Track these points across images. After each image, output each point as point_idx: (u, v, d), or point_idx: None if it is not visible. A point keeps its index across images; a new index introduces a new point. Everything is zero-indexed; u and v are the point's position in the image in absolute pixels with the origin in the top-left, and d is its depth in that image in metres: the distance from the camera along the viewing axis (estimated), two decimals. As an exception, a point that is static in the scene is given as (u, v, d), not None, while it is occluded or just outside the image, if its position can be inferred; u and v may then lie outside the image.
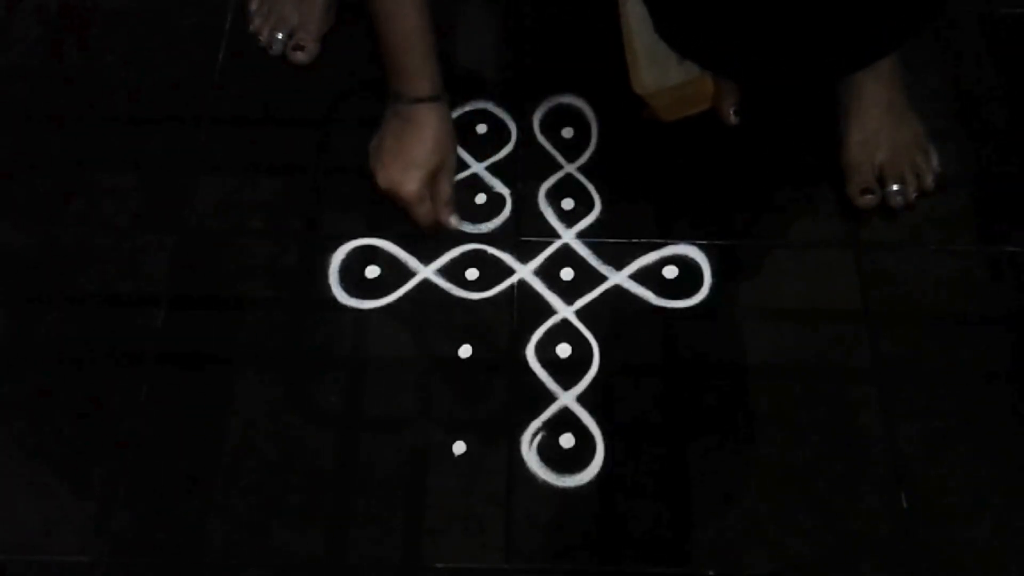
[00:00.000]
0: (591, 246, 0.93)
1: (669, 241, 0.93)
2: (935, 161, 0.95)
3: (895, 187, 0.93)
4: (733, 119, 0.96)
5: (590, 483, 0.82)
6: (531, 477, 0.82)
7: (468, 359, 0.87)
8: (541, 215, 0.95)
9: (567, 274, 0.91)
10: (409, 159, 0.89)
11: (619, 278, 0.91)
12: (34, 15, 1.08)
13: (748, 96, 0.96)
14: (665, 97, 0.92)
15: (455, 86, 1.01)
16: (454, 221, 0.93)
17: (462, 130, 0.99)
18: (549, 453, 0.83)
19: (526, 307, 0.90)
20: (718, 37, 0.80)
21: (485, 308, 0.90)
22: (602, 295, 0.90)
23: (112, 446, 0.83)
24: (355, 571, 0.79)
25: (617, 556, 0.79)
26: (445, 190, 0.92)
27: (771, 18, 0.75)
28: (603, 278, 0.91)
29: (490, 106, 1.01)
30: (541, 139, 0.99)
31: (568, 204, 0.95)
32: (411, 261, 0.92)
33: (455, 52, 1.05)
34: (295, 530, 0.80)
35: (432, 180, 0.91)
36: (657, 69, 0.91)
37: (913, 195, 0.94)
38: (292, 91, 1.03)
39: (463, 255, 0.92)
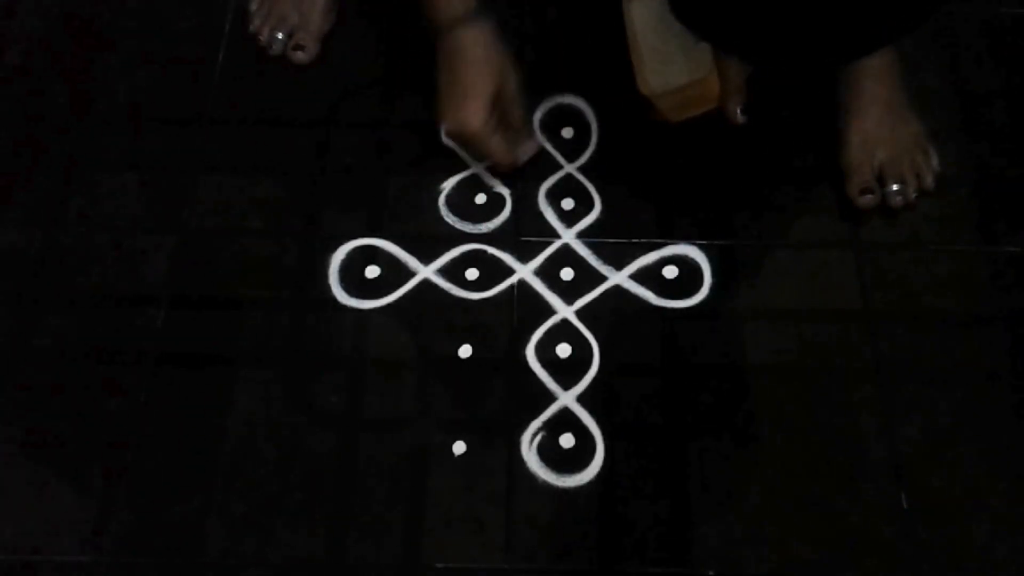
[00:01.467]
0: (591, 246, 0.93)
1: (669, 241, 0.93)
2: (935, 161, 0.95)
3: (895, 187, 0.93)
4: (740, 118, 0.96)
5: (590, 483, 0.82)
6: (531, 477, 0.82)
7: (468, 359, 0.87)
8: (541, 215, 0.95)
9: (567, 274, 0.91)
10: (463, 91, 0.84)
11: (619, 278, 0.91)
12: (34, 15, 1.08)
13: (753, 96, 0.96)
14: (671, 98, 0.92)
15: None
16: (531, 148, 0.89)
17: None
18: (549, 453, 0.83)
19: (526, 307, 0.90)
20: (735, 14, 0.79)
21: (485, 308, 0.90)
22: (602, 295, 0.90)
23: (112, 446, 0.83)
24: (355, 571, 0.79)
25: (617, 556, 0.79)
26: (515, 116, 0.88)
27: None
28: (603, 278, 0.91)
29: (490, 106, 1.01)
30: (541, 139, 0.99)
31: (568, 204, 0.95)
32: (411, 261, 0.92)
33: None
34: (295, 530, 0.80)
35: (496, 110, 0.86)
36: (663, 70, 0.91)
37: (913, 195, 0.94)
38: (292, 91, 1.02)
39: (463, 255, 0.93)
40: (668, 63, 0.90)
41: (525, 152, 0.92)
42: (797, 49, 0.82)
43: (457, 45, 0.84)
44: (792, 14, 0.77)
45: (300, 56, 1.04)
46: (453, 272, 0.92)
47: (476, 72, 0.84)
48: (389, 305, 0.90)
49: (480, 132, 0.85)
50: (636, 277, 0.91)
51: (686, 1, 0.84)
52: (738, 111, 0.96)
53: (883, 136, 0.93)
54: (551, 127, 0.99)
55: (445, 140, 0.87)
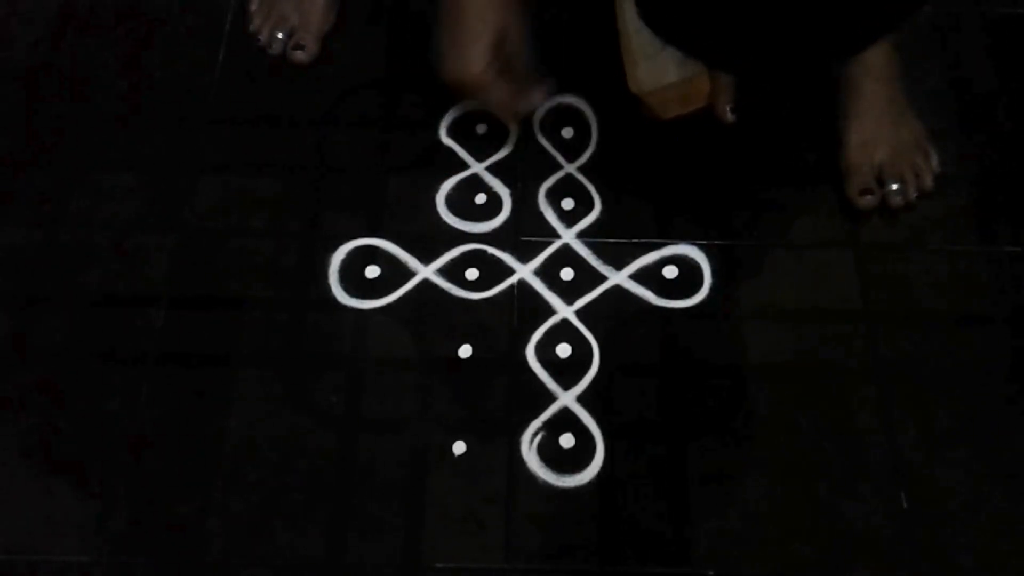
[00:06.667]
0: (591, 246, 0.93)
1: (669, 241, 0.93)
2: (935, 161, 0.95)
3: (895, 187, 0.93)
4: (730, 117, 0.96)
5: (590, 483, 0.82)
6: (531, 477, 0.82)
7: (468, 359, 0.87)
8: (541, 215, 0.95)
9: (567, 274, 0.91)
10: (463, 35, 0.78)
11: (619, 278, 0.91)
12: (34, 15, 1.08)
13: (746, 95, 0.96)
14: (661, 96, 0.92)
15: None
16: (537, 98, 0.84)
17: (462, 130, 0.99)
18: (549, 453, 0.83)
19: (526, 307, 0.90)
20: (701, 21, 0.79)
21: (485, 308, 0.90)
22: (602, 295, 0.90)
23: (112, 446, 0.83)
24: (355, 571, 0.79)
25: (617, 556, 0.79)
26: (518, 65, 0.82)
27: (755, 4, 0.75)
28: (603, 278, 0.91)
29: (490, 106, 1.01)
30: (541, 139, 0.99)
31: (568, 204, 0.95)
32: (411, 261, 0.92)
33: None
34: (295, 530, 0.80)
35: (500, 57, 0.80)
36: (653, 68, 0.91)
37: (913, 195, 0.94)
38: (292, 91, 1.02)
39: (463, 255, 0.93)
40: (658, 61, 0.90)
41: (529, 103, 0.86)
42: (762, 56, 0.82)
43: None
44: (757, 24, 0.76)
45: (300, 56, 1.04)
46: (453, 272, 0.92)
47: (478, 15, 0.78)
48: (389, 305, 0.90)
49: (481, 78, 0.79)
50: (636, 277, 0.91)
51: (652, 4, 0.83)
52: (728, 110, 0.96)
53: (883, 137, 0.93)
54: (551, 127, 1.00)
55: (447, 85, 0.81)
